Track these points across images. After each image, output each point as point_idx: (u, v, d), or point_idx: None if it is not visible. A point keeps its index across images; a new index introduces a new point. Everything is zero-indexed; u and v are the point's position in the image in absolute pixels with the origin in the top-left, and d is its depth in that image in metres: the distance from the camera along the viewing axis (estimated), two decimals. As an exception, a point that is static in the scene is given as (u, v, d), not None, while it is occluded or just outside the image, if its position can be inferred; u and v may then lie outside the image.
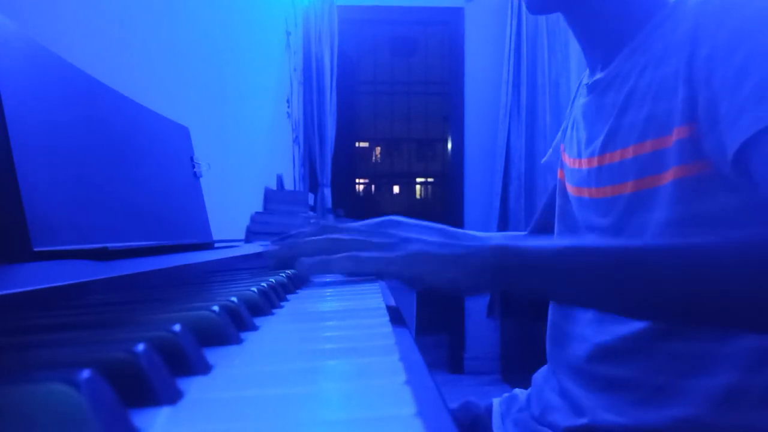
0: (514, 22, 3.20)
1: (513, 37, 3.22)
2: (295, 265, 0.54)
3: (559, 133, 0.84)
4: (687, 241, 0.48)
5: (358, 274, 0.53)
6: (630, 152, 0.61)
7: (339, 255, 0.51)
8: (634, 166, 0.60)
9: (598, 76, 0.67)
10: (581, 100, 0.72)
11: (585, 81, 0.72)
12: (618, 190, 0.62)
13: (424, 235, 0.53)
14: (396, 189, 4.56)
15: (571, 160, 0.74)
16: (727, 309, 0.46)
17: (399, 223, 0.56)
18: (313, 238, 0.55)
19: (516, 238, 0.51)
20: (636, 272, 0.47)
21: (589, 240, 0.52)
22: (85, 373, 0.16)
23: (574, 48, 3.14)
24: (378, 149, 4.52)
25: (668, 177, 0.56)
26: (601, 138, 0.65)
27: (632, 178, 0.60)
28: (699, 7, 0.55)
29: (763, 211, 0.50)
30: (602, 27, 0.66)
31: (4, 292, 0.32)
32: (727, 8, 0.53)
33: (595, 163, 0.66)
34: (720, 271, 0.45)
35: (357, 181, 4.42)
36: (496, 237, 0.52)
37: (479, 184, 3.39)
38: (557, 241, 0.51)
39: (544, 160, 0.85)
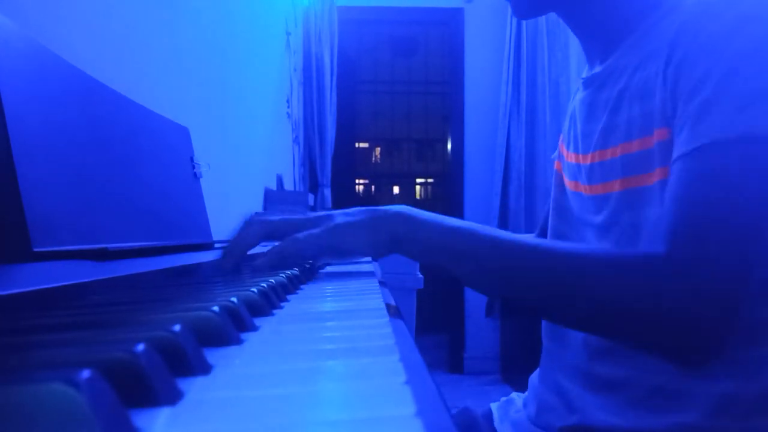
0: (514, 22, 3.20)
1: (513, 37, 3.22)
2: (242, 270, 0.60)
3: (563, 129, 0.84)
4: (554, 244, 0.56)
5: (294, 257, 0.58)
6: (619, 150, 0.61)
7: (286, 256, 0.57)
8: (622, 165, 0.60)
9: (596, 70, 0.67)
10: (579, 94, 0.72)
11: (584, 75, 0.71)
12: (608, 187, 0.62)
13: (344, 210, 0.60)
14: (396, 189, 4.56)
15: (568, 154, 0.74)
16: (574, 311, 0.52)
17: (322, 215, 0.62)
18: (246, 232, 0.60)
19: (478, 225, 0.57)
20: (499, 262, 0.54)
21: (485, 228, 0.57)
22: (85, 373, 0.16)
23: (574, 48, 3.14)
24: (378, 149, 4.52)
25: (656, 177, 0.56)
26: (596, 135, 0.65)
27: (620, 176, 0.61)
28: (688, 9, 0.55)
29: (655, 229, 0.54)
30: (599, 22, 0.66)
31: (4, 292, 0.32)
32: (707, 15, 0.52)
33: (588, 159, 0.66)
34: (570, 277, 0.51)
35: (357, 181, 4.42)
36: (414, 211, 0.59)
37: (479, 184, 3.39)
38: (459, 221, 0.57)
39: (554, 155, 0.85)
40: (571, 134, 0.74)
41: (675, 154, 0.51)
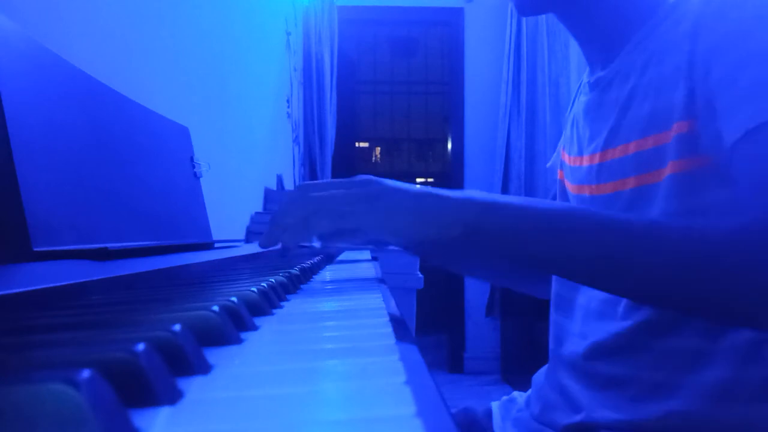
0: (514, 22, 3.20)
1: (513, 37, 3.22)
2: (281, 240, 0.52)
3: (563, 137, 0.84)
4: (651, 219, 0.50)
5: (339, 231, 0.51)
6: (632, 148, 0.61)
7: (316, 216, 0.49)
8: (634, 163, 0.60)
9: (600, 73, 0.68)
10: (583, 98, 0.72)
11: (586, 79, 0.72)
12: (619, 186, 0.62)
13: (400, 187, 0.51)
14: (396, 189, 4.56)
15: (571, 159, 0.74)
16: (656, 288, 0.48)
17: (374, 180, 0.53)
18: (291, 208, 0.52)
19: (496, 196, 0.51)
20: (593, 232, 0.48)
21: (559, 203, 0.53)
22: (85, 373, 0.16)
23: (574, 48, 3.14)
24: (378, 149, 4.52)
25: (666, 172, 0.56)
26: (604, 135, 0.65)
27: (633, 174, 0.61)
28: (701, 4, 0.56)
29: (734, 208, 0.52)
30: (599, 26, 0.66)
31: (4, 292, 0.32)
32: (727, 5, 0.53)
33: (596, 159, 0.66)
34: (654, 248, 0.47)
35: (357, 181, 4.41)
36: (472, 193, 0.51)
37: (479, 184, 3.38)
38: (523, 199, 0.51)
39: (549, 163, 0.85)
40: (574, 138, 0.74)
41: (733, 136, 0.50)
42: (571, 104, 0.80)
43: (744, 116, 0.49)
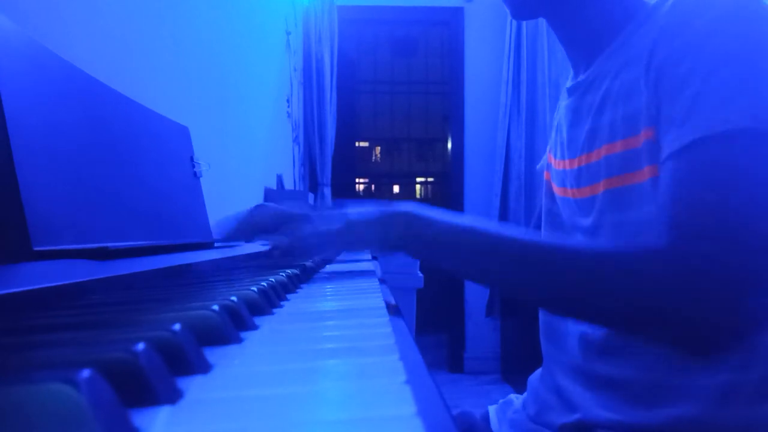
0: (514, 22, 3.20)
1: (513, 37, 3.22)
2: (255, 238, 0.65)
3: (550, 140, 0.85)
4: (564, 242, 0.56)
5: (302, 254, 0.63)
6: (603, 152, 0.62)
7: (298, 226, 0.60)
8: (605, 166, 0.61)
9: (580, 78, 0.68)
10: (563, 102, 0.73)
11: (568, 84, 0.73)
12: (595, 189, 0.63)
13: (361, 209, 0.61)
14: (396, 189, 4.56)
15: (556, 162, 0.75)
16: (581, 307, 0.52)
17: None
18: (254, 215, 0.65)
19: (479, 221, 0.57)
20: (503, 258, 0.54)
21: (494, 226, 0.56)
22: (85, 373, 0.16)
23: (574, 48, 3.14)
24: (378, 149, 4.51)
25: (645, 175, 0.57)
26: (581, 139, 0.66)
27: (604, 177, 0.61)
28: (667, 11, 0.56)
29: (647, 226, 0.55)
30: (583, 31, 0.67)
31: (4, 292, 0.32)
32: (687, 16, 0.53)
33: (575, 164, 0.67)
34: (574, 274, 0.51)
35: (357, 180, 4.42)
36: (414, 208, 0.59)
37: (479, 184, 3.38)
38: (463, 220, 0.57)
39: (538, 166, 0.86)
40: (557, 142, 0.75)
41: (665, 151, 0.51)
42: (556, 109, 0.81)
43: (678, 133, 0.50)
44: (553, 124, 0.82)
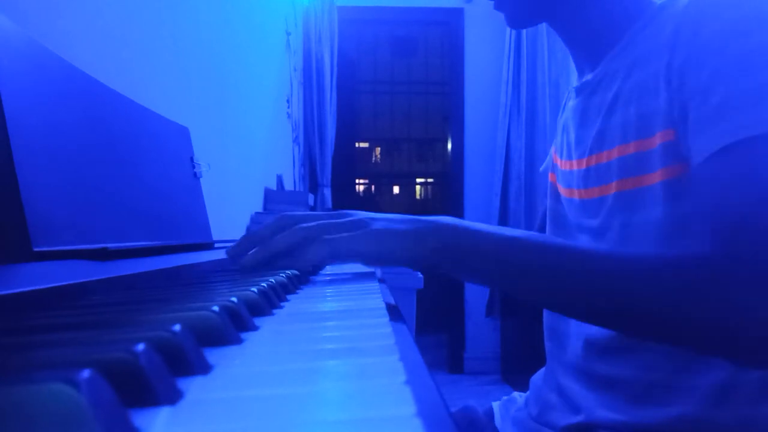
0: (514, 22, 3.20)
1: (513, 37, 3.22)
2: (274, 265, 0.55)
3: (555, 140, 0.85)
4: (609, 250, 0.51)
5: (332, 258, 0.53)
6: (615, 153, 0.61)
7: (312, 246, 0.53)
8: (617, 167, 0.60)
9: (586, 78, 0.68)
10: (570, 102, 0.73)
11: (574, 84, 0.72)
12: (604, 190, 0.63)
13: (385, 216, 0.56)
14: (396, 189, 4.56)
15: (562, 162, 0.74)
16: (639, 321, 0.48)
17: (356, 212, 0.57)
18: (282, 234, 0.55)
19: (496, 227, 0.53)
20: (567, 272, 0.49)
21: (536, 235, 0.53)
22: (85, 373, 0.16)
23: (574, 48, 3.14)
24: (378, 149, 4.51)
25: (656, 177, 0.56)
26: (590, 139, 0.65)
27: (616, 178, 0.61)
28: (683, 10, 0.55)
29: (690, 228, 0.53)
30: (586, 31, 0.66)
31: (4, 292, 0.32)
32: (706, 15, 0.52)
33: (584, 164, 0.66)
34: (626, 282, 0.47)
35: (357, 181, 4.42)
36: (448, 219, 0.54)
37: (479, 184, 3.39)
38: (510, 230, 0.53)
39: (542, 167, 0.86)
40: (564, 143, 0.74)
41: (702, 154, 0.49)
42: (561, 109, 0.81)
43: (711, 135, 0.48)
44: (558, 124, 0.81)
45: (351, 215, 0.56)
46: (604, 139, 0.63)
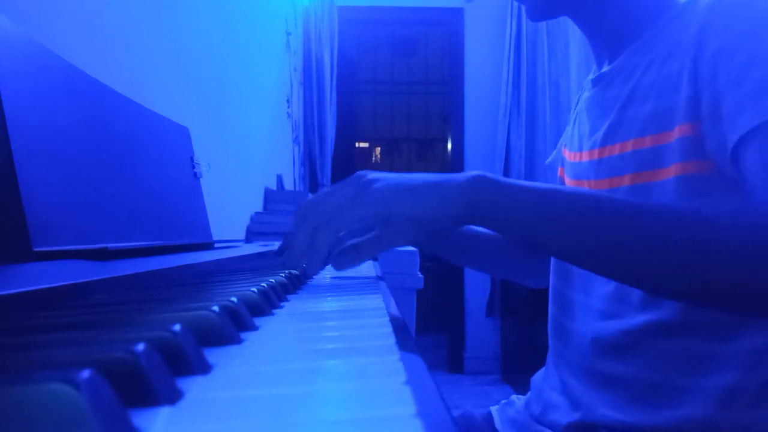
0: (514, 23, 3.20)
1: (513, 37, 3.22)
2: (308, 270, 0.55)
3: (564, 134, 0.85)
4: (663, 203, 0.48)
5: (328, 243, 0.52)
6: (630, 146, 0.61)
7: (318, 233, 0.51)
8: (632, 160, 0.61)
9: (604, 69, 0.69)
10: (586, 93, 0.73)
11: (591, 76, 0.73)
12: (616, 182, 0.63)
13: (400, 175, 0.53)
14: (396, 189, 4.56)
15: (571, 154, 0.74)
16: (687, 274, 0.45)
17: (368, 173, 0.55)
18: (301, 234, 0.54)
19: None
20: (606, 219, 0.47)
21: (570, 187, 0.51)
22: (85, 373, 0.16)
23: (574, 48, 3.14)
24: (378, 149, 4.51)
25: (671, 172, 0.56)
26: (603, 131, 0.66)
27: (630, 171, 0.61)
28: (708, 7, 0.56)
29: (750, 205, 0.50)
30: (607, 25, 0.67)
31: (4, 292, 0.32)
32: (734, 9, 0.53)
33: (596, 155, 0.67)
34: (688, 233, 0.45)
35: (357, 181, 4.41)
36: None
37: (479, 184, 3.38)
38: (545, 185, 0.51)
39: (548, 160, 0.86)
40: (575, 134, 0.75)
41: (739, 131, 0.49)
42: (576, 102, 0.81)
43: (748, 115, 0.49)
44: (570, 117, 0.82)
45: (356, 177, 0.53)
46: (618, 131, 0.63)
